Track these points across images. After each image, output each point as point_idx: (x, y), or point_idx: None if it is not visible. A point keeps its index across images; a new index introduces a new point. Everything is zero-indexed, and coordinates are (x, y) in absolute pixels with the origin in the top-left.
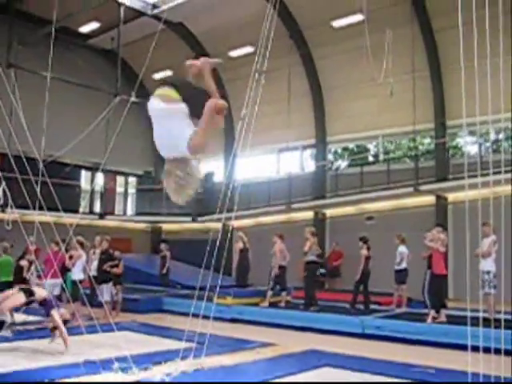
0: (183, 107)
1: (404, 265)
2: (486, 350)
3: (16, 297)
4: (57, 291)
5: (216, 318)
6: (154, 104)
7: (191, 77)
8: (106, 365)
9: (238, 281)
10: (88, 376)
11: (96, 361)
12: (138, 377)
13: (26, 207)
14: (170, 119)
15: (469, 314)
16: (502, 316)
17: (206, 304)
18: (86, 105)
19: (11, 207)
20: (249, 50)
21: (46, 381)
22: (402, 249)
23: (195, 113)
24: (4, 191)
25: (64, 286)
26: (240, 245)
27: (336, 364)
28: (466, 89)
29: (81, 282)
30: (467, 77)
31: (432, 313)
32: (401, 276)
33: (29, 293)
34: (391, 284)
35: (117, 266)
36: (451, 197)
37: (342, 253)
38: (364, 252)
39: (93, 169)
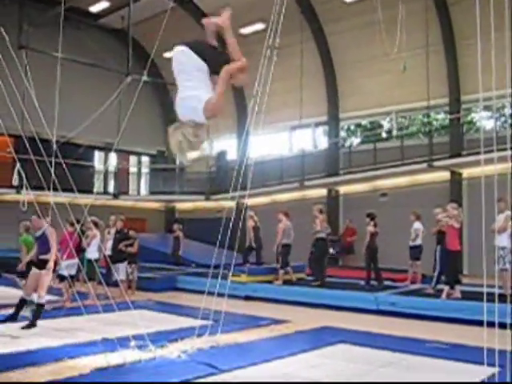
0: (202, 64)
1: (419, 241)
2: (502, 326)
3: (47, 278)
4: (73, 271)
5: (230, 296)
6: (177, 55)
7: (210, 35)
8: (122, 342)
9: (244, 258)
10: (105, 353)
11: (113, 339)
12: (154, 354)
13: (41, 188)
14: (190, 76)
15: (485, 289)
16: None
17: (221, 282)
18: (98, 85)
19: (26, 188)
20: (260, 26)
21: (65, 359)
22: (418, 225)
23: (215, 71)
24: (19, 172)
25: (80, 265)
26: (252, 223)
27: (350, 340)
28: (481, 63)
29: (96, 261)
30: (482, 50)
31: (446, 289)
32: (416, 252)
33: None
34: (406, 260)
35: (132, 245)
36: (466, 172)
37: (355, 230)
38: (370, 228)
39: (106, 149)
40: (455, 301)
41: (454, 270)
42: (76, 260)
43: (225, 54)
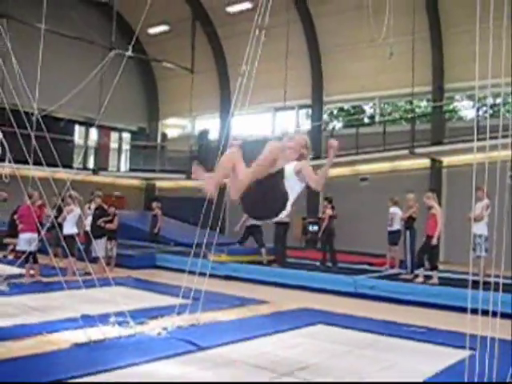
0: None
1: (397, 226)
2: (477, 312)
3: None
4: (34, 246)
5: (210, 275)
6: None
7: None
8: (102, 319)
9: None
10: (86, 329)
11: (93, 315)
12: (134, 330)
13: (20, 161)
14: None
15: (470, 277)
16: (500, 279)
17: (201, 261)
18: (80, 59)
19: (9, 161)
20: (247, 5)
21: (45, 333)
22: (394, 210)
23: None
24: (1, 143)
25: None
26: None
27: (329, 322)
28: (466, 52)
29: (78, 235)
30: (468, 40)
31: (422, 274)
32: (393, 237)
33: None
34: (384, 245)
35: (111, 221)
36: (446, 160)
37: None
38: (329, 211)
39: (87, 124)
40: (433, 286)
41: (435, 255)
42: (36, 235)
43: None
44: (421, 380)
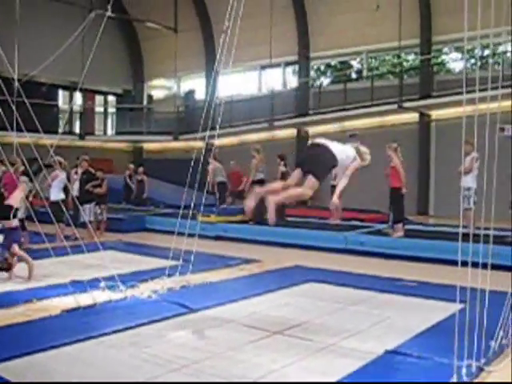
0: None
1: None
2: (467, 265)
3: None
4: (20, 214)
5: (200, 236)
6: None
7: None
8: (92, 284)
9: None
10: (76, 295)
11: (82, 280)
12: (125, 294)
13: (3, 129)
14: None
15: (461, 230)
16: (490, 232)
17: (190, 222)
18: (61, 21)
19: None
20: None
21: (34, 300)
22: None
23: None
24: None
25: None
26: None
27: (320, 279)
28: (454, 2)
29: (63, 202)
30: None
31: (400, 227)
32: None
33: None
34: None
35: (99, 185)
36: (434, 114)
37: (241, 174)
38: (282, 168)
39: (70, 88)
40: (424, 240)
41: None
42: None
43: None
44: (415, 333)
